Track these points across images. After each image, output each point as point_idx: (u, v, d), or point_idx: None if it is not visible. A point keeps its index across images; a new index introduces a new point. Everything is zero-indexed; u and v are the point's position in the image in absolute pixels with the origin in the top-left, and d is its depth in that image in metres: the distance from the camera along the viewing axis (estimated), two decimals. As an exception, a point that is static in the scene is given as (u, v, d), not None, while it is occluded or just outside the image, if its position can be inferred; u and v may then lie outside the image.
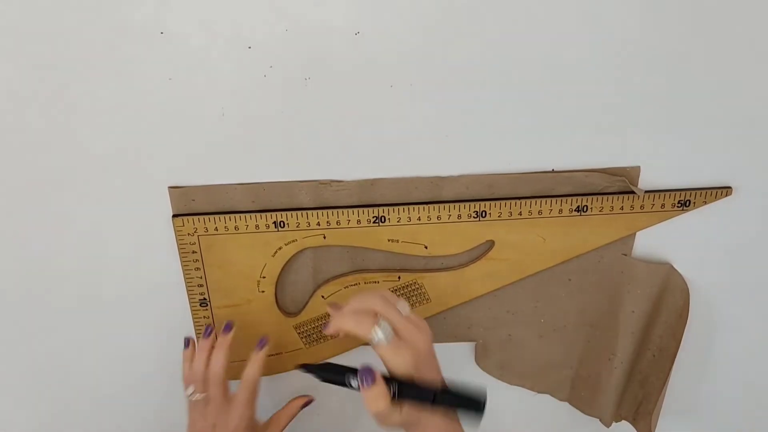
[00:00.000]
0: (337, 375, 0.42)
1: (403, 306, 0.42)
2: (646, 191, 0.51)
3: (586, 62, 0.47)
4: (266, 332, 0.54)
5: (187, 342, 0.54)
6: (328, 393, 0.61)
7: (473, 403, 0.37)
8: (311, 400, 0.57)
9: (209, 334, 0.52)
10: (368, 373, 0.39)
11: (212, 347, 0.52)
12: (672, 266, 0.55)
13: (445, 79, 0.47)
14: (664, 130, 0.50)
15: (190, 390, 0.51)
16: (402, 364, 0.39)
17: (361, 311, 0.41)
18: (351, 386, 0.41)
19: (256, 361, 0.52)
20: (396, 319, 0.40)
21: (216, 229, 0.51)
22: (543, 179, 0.51)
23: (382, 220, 0.51)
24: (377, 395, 0.39)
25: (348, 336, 0.41)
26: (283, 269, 0.54)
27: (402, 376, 0.40)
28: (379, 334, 0.39)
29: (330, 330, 0.43)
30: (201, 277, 0.54)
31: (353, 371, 0.41)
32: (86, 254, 0.53)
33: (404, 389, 0.39)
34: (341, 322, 0.41)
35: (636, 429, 0.60)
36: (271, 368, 0.56)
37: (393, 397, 0.39)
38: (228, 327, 0.52)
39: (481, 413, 0.37)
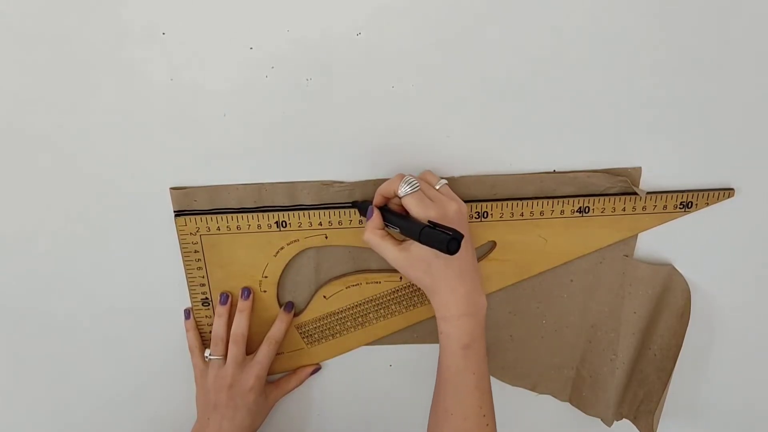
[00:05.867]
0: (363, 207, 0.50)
1: (440, 182, 0.48)
2: (648, 192, 0.51)
3: (589, 63, 0.46)
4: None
5: (188, 313, 0.56)
6: (328, 394, 0.61)
7: (450, 240, 0.41)
8: (319, 368, 0.59)
9: (225, 302, 0.54)
10: (370, 211, 0.48)
11: (229, 313, 0.54)
12: (673, 267, 0.55)
13: (446, 80, 0.47)
14: (666, 131, 0.50)
15: (207, 353, 0.54)
16: (420, 213, 0.44)
17: (393, 178, 0.47)
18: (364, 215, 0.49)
19: (282, 321, 0.55)
20: (423, 185, 0.46)
21: (218, 228, 0.51)
22: (545, 180, 0.51)
23: (384, 220, 0.51)
24: (370, 225, 0.47)
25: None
26: (285, 269, 0.54)
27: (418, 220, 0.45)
28: (404, 187, 0.45)
29: (377, 200, 0.48)
30: (203, 277, 0.54)
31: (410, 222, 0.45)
32: (88, 254, 0.53)
33: (401, 223, 0.46)
34: (378, 191, 0.48)
35: (637, 428, 0.60)
36: (272, 368, 0.56)
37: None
38: (247, 292, 0.54)
39: (452, 251, 0.40)
